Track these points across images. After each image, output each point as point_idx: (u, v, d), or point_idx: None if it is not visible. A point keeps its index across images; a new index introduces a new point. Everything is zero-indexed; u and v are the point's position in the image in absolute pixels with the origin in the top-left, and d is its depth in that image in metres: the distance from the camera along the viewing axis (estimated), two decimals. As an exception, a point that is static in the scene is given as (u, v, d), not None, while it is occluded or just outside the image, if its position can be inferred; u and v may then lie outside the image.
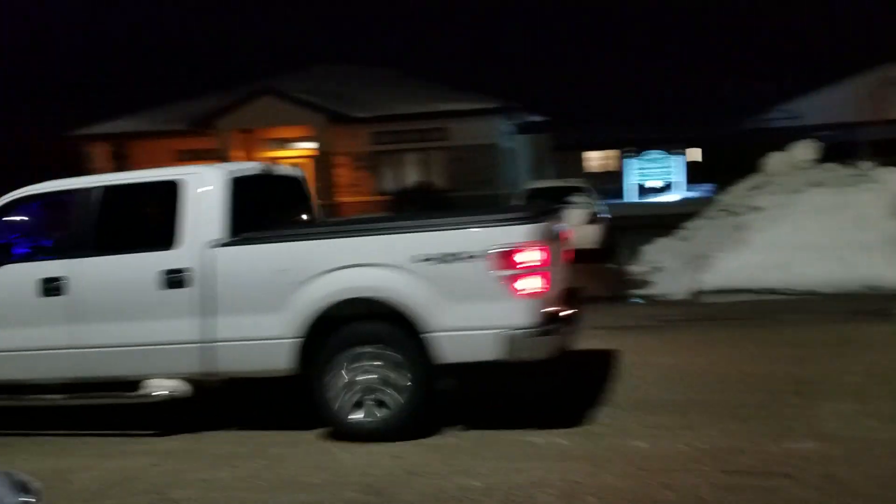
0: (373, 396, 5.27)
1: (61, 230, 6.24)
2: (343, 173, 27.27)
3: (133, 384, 5.72)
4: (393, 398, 5.24)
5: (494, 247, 5.04)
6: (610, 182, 28.78)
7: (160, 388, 5.67)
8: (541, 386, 6.36)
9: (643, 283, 11.84)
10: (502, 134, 27.17)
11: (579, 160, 32.08)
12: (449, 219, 5.67)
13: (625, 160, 31.45)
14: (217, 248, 5.52)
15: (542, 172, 28.00)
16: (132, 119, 28.86)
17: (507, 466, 4.70)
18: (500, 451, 4.99)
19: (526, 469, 4.64)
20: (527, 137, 29.32)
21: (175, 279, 5.53)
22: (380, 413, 5.26)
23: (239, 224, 5.66)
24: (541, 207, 6.07)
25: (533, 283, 5.08)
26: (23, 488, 2.79)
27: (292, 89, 26.91)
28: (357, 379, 5.27)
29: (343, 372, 5.28)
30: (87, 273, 5.76)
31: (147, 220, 6.13)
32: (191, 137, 27.39)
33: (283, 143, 28.15)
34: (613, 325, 8.67)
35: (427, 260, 5.13)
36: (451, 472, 4.68)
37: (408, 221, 5.89)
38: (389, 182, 27.22)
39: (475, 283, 5.08)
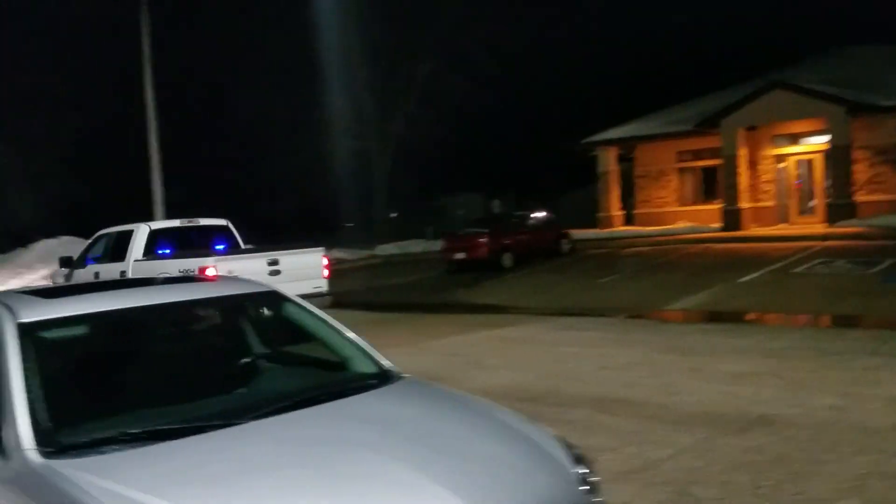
0: None
1: (103, 251, 12.99)
2: (861, 169, 24.54)
3: None
4: None
5: (196, 267, 10.50)
6: None
7: None
8: None
9: None
10: None
11: None
12: (192, 252, 11.76)
13: None
14: (135, 262, 11.92)
15: None
16: (638, 123, 30.10)
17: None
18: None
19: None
20: None
21: (123, 276, 11.66)
22: None
23: (150, 252, 12.08)
24: (238, 251, 12.30)
25: None
26: (578, 460, 3.08)
27: (805, 80, 25.11)
28: None
29: None
30: (103, 272, 12.23)
31: (121, 247, 12.40)
32: (693, 138, 27.48)
33: (792, 138, 26.48)
34: None
35: (182, 272, 10.50)
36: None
37: (184, 253, 11.74)
38: (920, 178, 23.69)
39: None
